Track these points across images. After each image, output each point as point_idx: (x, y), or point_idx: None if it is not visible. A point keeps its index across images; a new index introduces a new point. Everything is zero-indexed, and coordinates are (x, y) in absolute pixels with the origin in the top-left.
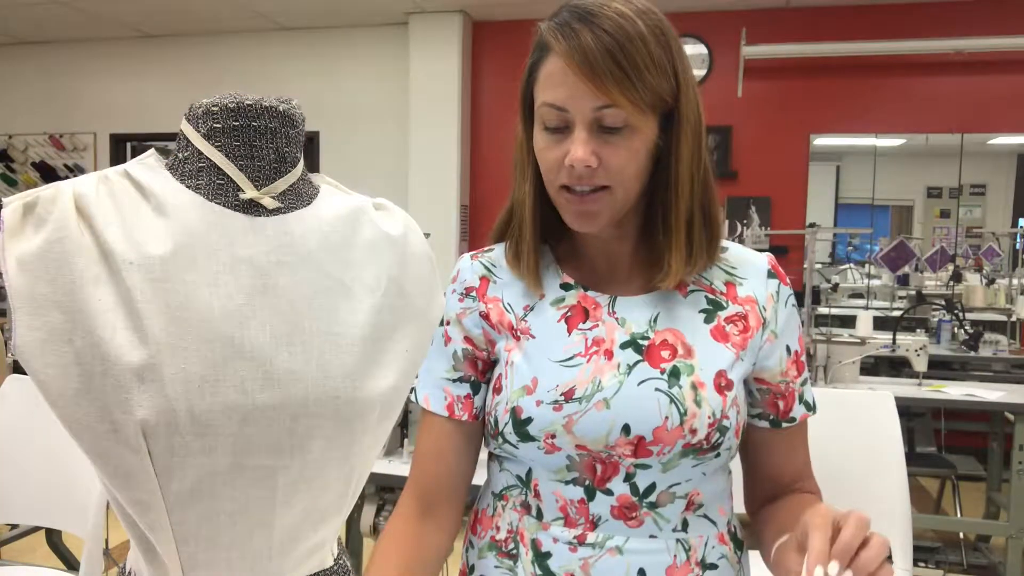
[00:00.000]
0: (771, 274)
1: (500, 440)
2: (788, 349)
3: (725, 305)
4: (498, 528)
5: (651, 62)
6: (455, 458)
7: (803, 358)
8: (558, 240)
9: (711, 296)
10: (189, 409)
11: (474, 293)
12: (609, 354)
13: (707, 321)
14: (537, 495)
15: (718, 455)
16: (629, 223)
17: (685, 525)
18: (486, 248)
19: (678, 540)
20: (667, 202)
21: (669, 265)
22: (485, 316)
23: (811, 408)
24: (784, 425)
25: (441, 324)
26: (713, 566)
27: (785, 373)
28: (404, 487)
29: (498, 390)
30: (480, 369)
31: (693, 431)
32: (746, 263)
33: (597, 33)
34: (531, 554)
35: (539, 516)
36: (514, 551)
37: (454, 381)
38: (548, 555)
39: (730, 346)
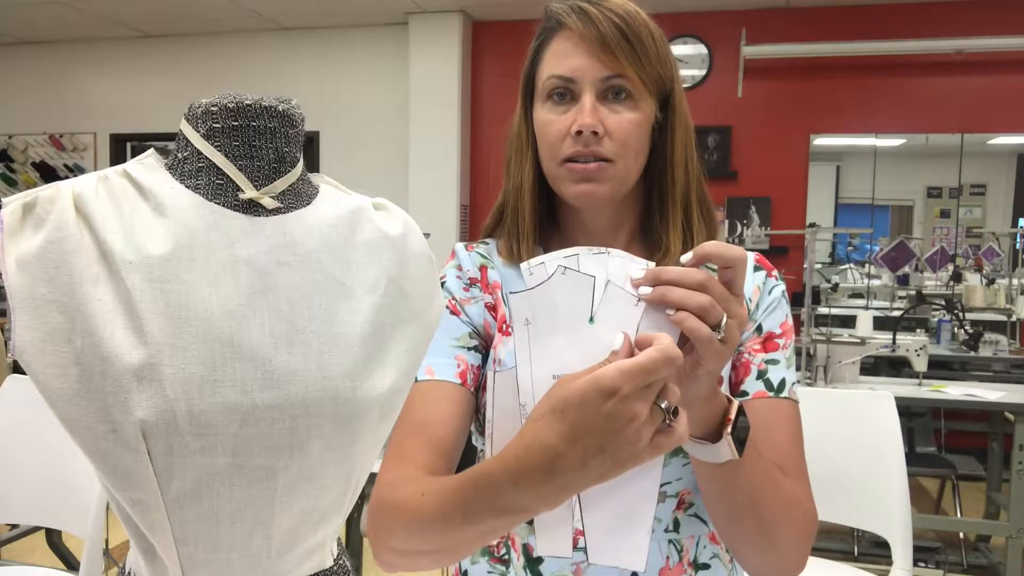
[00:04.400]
0: (757, 268)
1: None
2: (760, 328)
3: None
4: None
5: (654, 45)
6: (465, 431)
7: (780, 341)
8: (548, 239)
9: None
10: (189, 409)
11: (479, 284)
12: None
13: None
14: None
15: None
16: (623, 216)
17: (677, 525)
18: (479, 241)
19: (670, 541)
20: (663, 183)
21: (667, 245)
22: (491, 308)
23: (772, 389)
24: (736, 399)
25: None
26: (705, 566)
27: (743, 344)
28: (393, 462)
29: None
30: (485, 347)
31: None
32: None
33: (607, 14)
34: (523, 559)
35: (530, 520)
36: (506, 556)
37: (469, 349)
38: (540, 560)
39: None
